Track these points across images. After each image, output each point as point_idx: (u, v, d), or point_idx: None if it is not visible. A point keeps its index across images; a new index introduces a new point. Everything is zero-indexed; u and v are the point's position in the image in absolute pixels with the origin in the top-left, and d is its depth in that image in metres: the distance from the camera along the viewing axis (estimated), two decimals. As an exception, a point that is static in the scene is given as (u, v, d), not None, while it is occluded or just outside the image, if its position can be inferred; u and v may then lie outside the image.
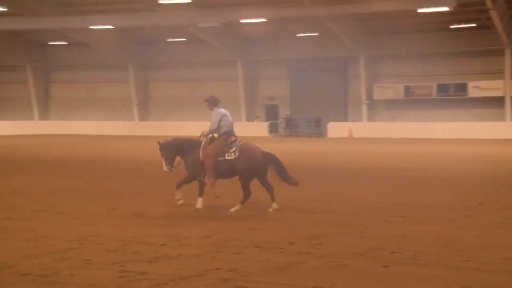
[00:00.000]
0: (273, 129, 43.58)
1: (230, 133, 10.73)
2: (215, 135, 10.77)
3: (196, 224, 9.33)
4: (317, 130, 41.10)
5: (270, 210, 10.52)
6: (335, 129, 40.94)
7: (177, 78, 44.91)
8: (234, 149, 10.60)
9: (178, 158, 11.01)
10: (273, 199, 10.64)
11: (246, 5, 34.71)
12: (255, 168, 10.54)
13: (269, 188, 10.75)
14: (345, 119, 42.54)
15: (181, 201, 10.89)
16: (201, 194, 10.72)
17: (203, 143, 10.81)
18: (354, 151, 27.32)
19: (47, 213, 10.52)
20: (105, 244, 7.96)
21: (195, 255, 7.31)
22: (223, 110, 10.88)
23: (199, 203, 10.64)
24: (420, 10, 32.38)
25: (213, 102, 10.99)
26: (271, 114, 44.65)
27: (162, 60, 44.49)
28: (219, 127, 10.73)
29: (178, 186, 10.93)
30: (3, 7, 31.78)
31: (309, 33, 40.86)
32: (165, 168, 10.99)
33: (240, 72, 43.04)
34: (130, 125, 44.07)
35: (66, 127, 43.61)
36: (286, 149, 25.06)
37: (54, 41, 44.29)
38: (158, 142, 11.12)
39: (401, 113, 41.07)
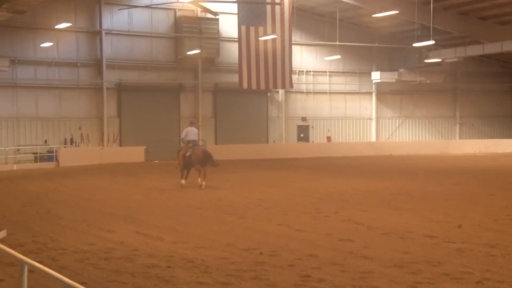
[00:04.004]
0: None
1: (190, 142, 18.90)
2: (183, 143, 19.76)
3: None
4: None
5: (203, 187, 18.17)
6: None
7: None
8: (190, 150, 18.63)
9: None
10: (202, 180, 18.41)
11: None
12: (198, 160, 18.43)
13: (203, 173, 18.52)
14: None
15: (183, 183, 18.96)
16: (181, 178, 19.06)
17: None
18: None
19: None
20: None
21: None
22: (189, 128, 19.37)
23: (183, 182, 18.93)
24: None
25: (188, 123, 20.84)
26: None
27: None
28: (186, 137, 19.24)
29: (182, 177, 19.08)
30: None
31: None
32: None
33: None
34: None
35: None
36: None
37: None
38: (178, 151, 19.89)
39: None
